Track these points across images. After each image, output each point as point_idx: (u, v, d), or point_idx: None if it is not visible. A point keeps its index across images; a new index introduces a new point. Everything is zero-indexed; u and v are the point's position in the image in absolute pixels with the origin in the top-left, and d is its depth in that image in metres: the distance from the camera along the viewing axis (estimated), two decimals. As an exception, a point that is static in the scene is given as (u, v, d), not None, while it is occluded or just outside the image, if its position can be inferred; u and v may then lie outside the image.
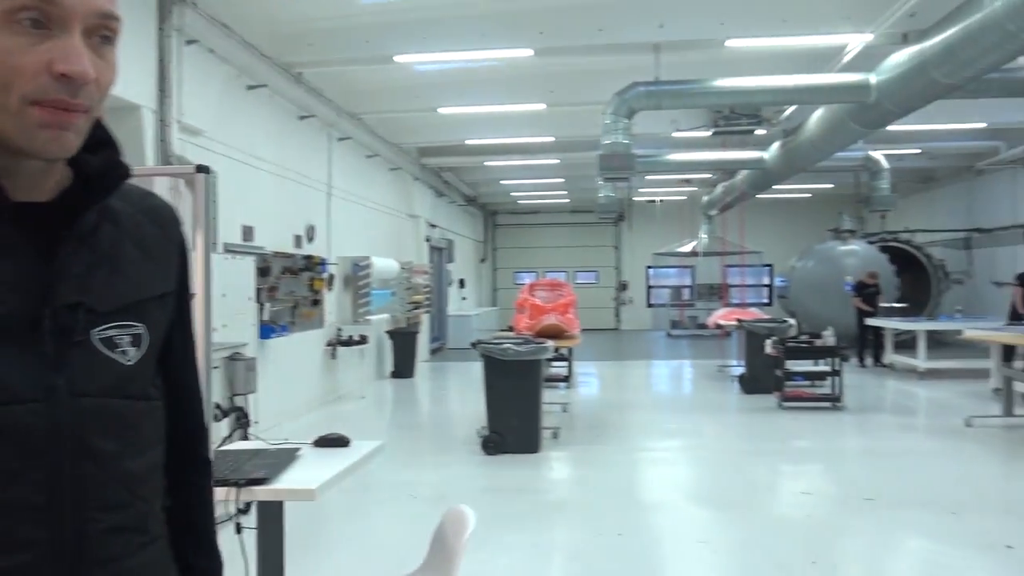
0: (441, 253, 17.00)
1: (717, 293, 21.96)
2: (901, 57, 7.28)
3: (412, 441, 7.93)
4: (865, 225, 20.76)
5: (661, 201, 22.68)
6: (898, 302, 14.23)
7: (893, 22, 7.31)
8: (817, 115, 9.93)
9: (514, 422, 6.76)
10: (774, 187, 19.37)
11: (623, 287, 24.19)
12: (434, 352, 15.87)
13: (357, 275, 10.59)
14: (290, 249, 8.74)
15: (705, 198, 19.20)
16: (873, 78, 7.81)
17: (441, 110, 10.78)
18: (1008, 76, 7.89)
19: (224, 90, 7.36)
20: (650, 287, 23.83)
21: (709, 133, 11.90)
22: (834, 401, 8.98)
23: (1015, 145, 13.58)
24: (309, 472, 2.38)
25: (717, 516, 5.26)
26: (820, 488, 5.99)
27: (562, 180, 18.43)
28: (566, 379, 11.06)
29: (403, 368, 12.32)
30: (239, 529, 2.35)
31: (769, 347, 9.22)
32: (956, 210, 17.80)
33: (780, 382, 9.25)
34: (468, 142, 13.56)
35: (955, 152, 15.31)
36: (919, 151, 14.87)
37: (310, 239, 9.43)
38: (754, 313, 11.82)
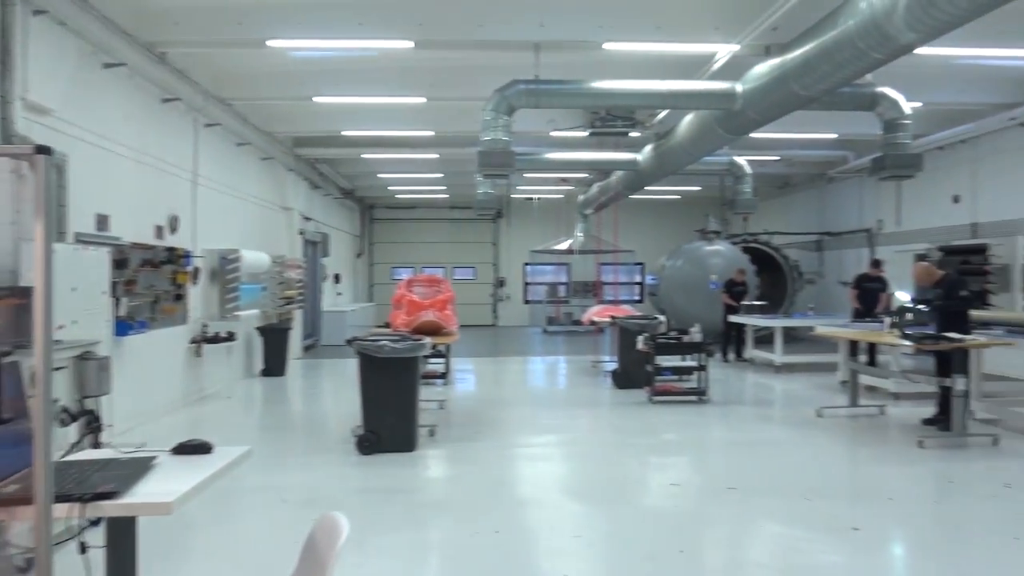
0: (315, 247, 16.50)
1: (591, 290, 22.55)
2: (764, 68, 7.68)
3: (282, 442, 7.63)
4: (729, 227, 21.87)
5: (539, 199, 23.00)
6: (758, 300, 15.07)
7: (757, 35, 7.70)
8: (687, 120, 10.33)
9: (390, 420, 6.64)
10: (646, 188, 20.09)
11: (501, 284, 24.37)
12: (307, 349, 15.40)
13: (225, 269, 10.09)
14: (151, 240, 8.19)
15: (581, 197, 19.63)
16: (739, 87, 8.20)
17: (317, 99, 10.43)
18: (857, 91, 8.50)
19: (78, 67, 6.79)
20: (527, 284, 24.11)
21: (586, 134, 12.16)
22: (700, 395, 9.39)
23: (862, 155, 14.69)
24: (166, 483, 2.21)
25: (591, 510, 5.36)
26: (687, 479, 6.23)
27: (441, 175, 18.33)
28: (443, 376, 11.00)
29: (274, 366, 11.86)
30: (83, 549, 2.14)
31: (641, 343, 9.52)
32: (809, 214, 19.07)
33: (651, 377, 9.57)
34: (345, 133, 13.22)
35: (809, 160, 16.39)
36: (778, 158, 15.79)
37: (173, 230, 8.89)
38: (627, 310, 12.19)
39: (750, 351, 13.39)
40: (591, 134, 12.06)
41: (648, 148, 12.45)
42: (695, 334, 9.55)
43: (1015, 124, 11.41)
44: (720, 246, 16.43)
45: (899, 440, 7.41)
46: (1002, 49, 8.43)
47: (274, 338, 11.95)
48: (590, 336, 16.81)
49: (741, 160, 13.65)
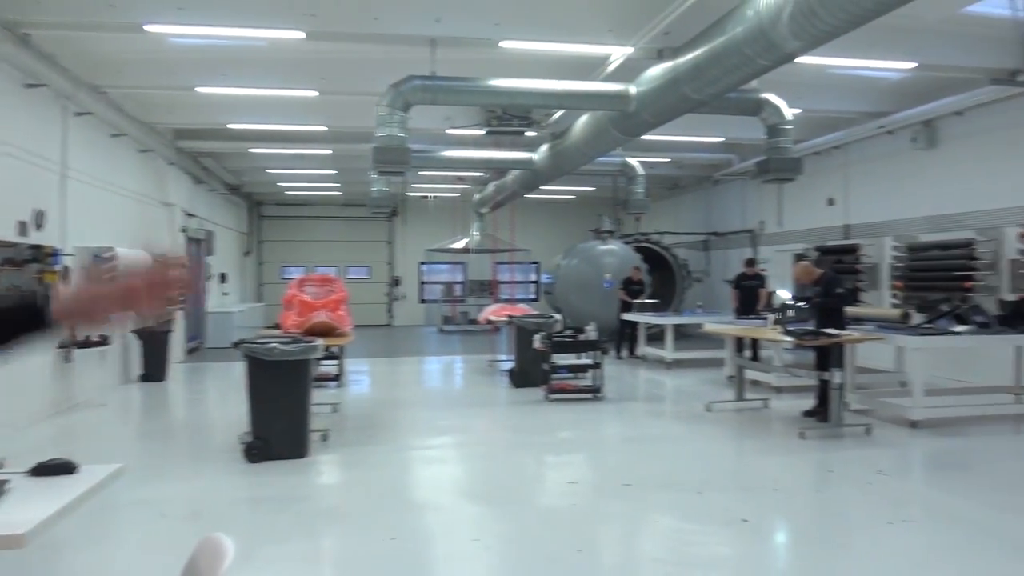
0: (199, 245, 15.73)
1: (488, 289, 22.56)
2: (657, 71, 7.85)
3: (162, 452, 7.18)
4: (622, 227, 22.37)
5: (435, 197, 22.81)
6: (650, 298, 15.47)
7: (650, 38, 7.87)
8: (583, 120, 10.46)
9: (280, 426, 6.36)
10: (541, 187, 20.28)
11: (396, 283, 24.04)
12: (191, 352, 14.66)
13: (99, 268, 9.42)
14: (13, 237, 7.54)
15: (477, 196, 19.60)
16: (633, 89, 8.36)
17: (200, 89, 9.92)
18: (743, 96, 8.83)
19: (-78, 45, 6.16)
20: (423, 283, 23.89)
21: (483, 132, 12.11)
22: (595, 392, 9.52)
23: (746, 159, 15.33)
24: (20, 511, 1.97)
25: (489, 512, 5.30)
26: (584, 477, 6.28)
27: (334, 172, 17.86)
28: (337, 378, 10.69)
29: (154, 371, 11.20)
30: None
31: (537, 342, 9.56)
32: (697, 215, 19.78)
33: (547, 375, 9.63)
34: (231, 126, 12.65)
35: (697, 162, 16.97)
36: (668, 160, 16.26)
37: (39, 226, 8.21)
38: (523, 309, 12.23)
39: (642, 348, 13.72)
40: (488, 133, 12.02)
41: (544, 148, 12.54)
42: (591, 332, 9.68)
43: (883, 132, 12.18)
44: (614, 245, 16.77)
45: (782, 432, 7.74)
46: (872, 60, 8.95)
47: (153, 341, 11.29)
48: (486, 335, 16.79)
49: (634, 161, 13.96)
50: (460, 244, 21.12)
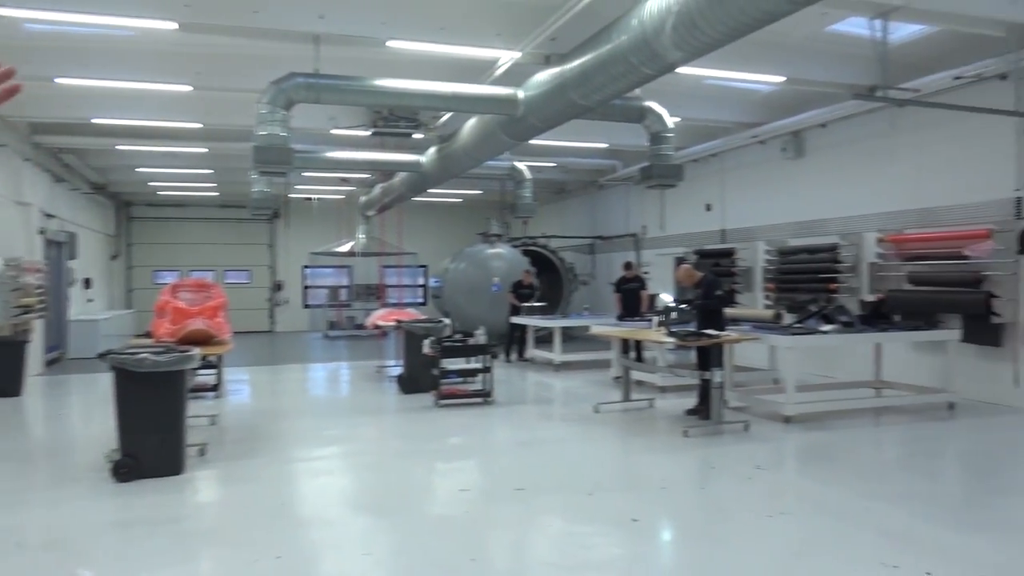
0: (60, 248, 14.63)
1: (375, 293, 22.17)
2: (545, 76, 7.91)
3: (17, 475, 6.57)
4: (510, 230, 22.53)
5: (318, 199, 22.21)
6: (538, 302, 15.63)
7: (538, 43, 7.93)
8: (471, 124, 10.42)
9: (152, 441, 5.96)
10: (429, 191, 20.14)
11: (278, 287, 23.24)
12: (50, 364, 13.59)
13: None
14: None
15: (363, 198, 19.23)
16: (521, 93, 8.39)
17: (60, 80, 9.22)
18: (628, 103, 9.04)
19: None
20: (307, 287, 23.21)
21: (368, 133, 11.88)
22: (486, 397, 9.49)
23: (629, 165, 15.78)
24: None
25: (379, 523, 5.15)
26: (475, 483, 6.23)
27: (210, 171, 17.04)
28: (215, 388, 10.18)
29: (7, 385, 10.29)
30: None
31: (427, 347, 9.43)
32: (583, 219, 20.18)
33: (437, 381, 9.52)
34: (95, 121, 11.83)
35: (583, 168, 17.31)
36: (555, 164, 16.50)
37: None
38: (411, 314, 12.06)
39: (531, 351, 13.83)
40: (373, 134, 11.80)
41: (432, 151, 12.42)
42: (480, 336, 9.64)
43: (755, 142, 12.82)
44: (501, 249, 16.84)
45: (667, 430, 7.96)
46: (746, 73, 9.39)
47: (7, 352, 10.38)
48: (374, 340, 16.48)
49: (522, 165, 14.06)
50: (345, 247, 20.65)
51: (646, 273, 16.42)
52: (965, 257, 9.20)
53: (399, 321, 10.77)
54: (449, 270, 17.13)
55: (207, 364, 9.34)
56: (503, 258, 16.43)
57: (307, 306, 23.02)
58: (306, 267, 23.14)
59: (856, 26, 8.69)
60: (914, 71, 9.15)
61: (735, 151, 13.59)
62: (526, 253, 17.46)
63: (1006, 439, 7.63)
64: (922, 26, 8.43)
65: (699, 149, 13.98)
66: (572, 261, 18.93)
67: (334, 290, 22.87)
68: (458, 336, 10.22)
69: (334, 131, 12.26)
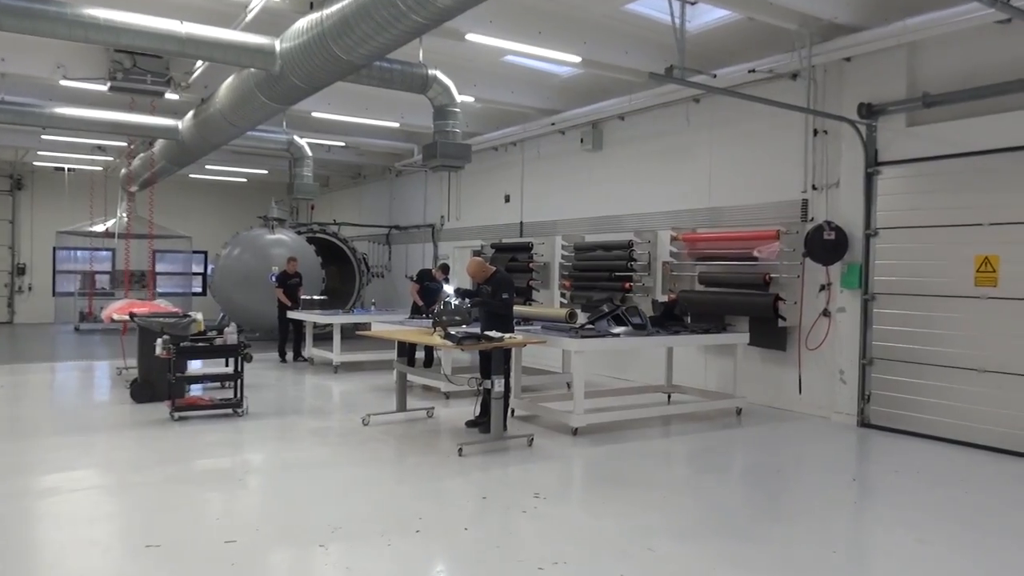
0: None
1: (144, 282, 19.46)
2: (303, 24, 6.57)
3: None
4: (297, 215, 20.72)
5: (72, 170, 19.11)
6: (323, 294, 14.12)
7: (295, -18, 6.56)
8: (227, 84, 8.82)
9: None
10: (209, 168, 17.92)
11: (20, 271, 19.80)
12: None
13: None
14: None
15: (124, 170, 16.64)
16: (278, 44, 6.97)
17: None
18: (408, 69, 7.89)
19: None
20: (57, 272, 19.97)
21: (105, 87, 9.86)
22: (235, 407, 7.98)
23: (425, 149, 14.63)
24: None
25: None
26: (175, 535, 4.76)
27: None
28: None
29: None
30: None
31: (159, 347, 7.74)
32: (380, 207, 18.81)
33: (175, 388, 7.86)
34: None
35: (379, 150, 15.96)
36: (344, 144, 15.05)
37: None
38: (158, 306, 10.14)
39: (309, 350, 12.33)
40: (111, 88, 9.78)
41: (189, 115, 10.58)
42: (230, 335, 8.09)
43: (555, 130, 12.16)
44: (284, 235, 15.14)
45: (442, 448, 6.90)
46: (541, 49, 8.52)
47: None
48: (119, 336, 14.13)
49: (302, 141, 12.50)
50: (104, 227, 17.87)
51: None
52: (754, 259, 8.97)
53: (131, 315, 8.90)
54: (221, 257, 15.12)
55: None
56: (284, 245, 14.74)
57: (57, 294, 19.80)
58: (58, 249, 19.89)
59: (654, 8, 8.13)
60: (710, 63, 8.77)
61: (535, 140, 12.88)
62: (313, 241, 15.85)
63: (792, 451, 7.32)
64: (723, 12, 8.01)
65: (498, 135, 13.15)
66: (366, 252, 17.54)
67: (91, 276, 19.80)
68: (210, 333, 8.56)
69: (64, 82, 10.06)
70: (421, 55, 7.93)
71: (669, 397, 9.23)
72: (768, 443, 7.46)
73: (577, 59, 8.74)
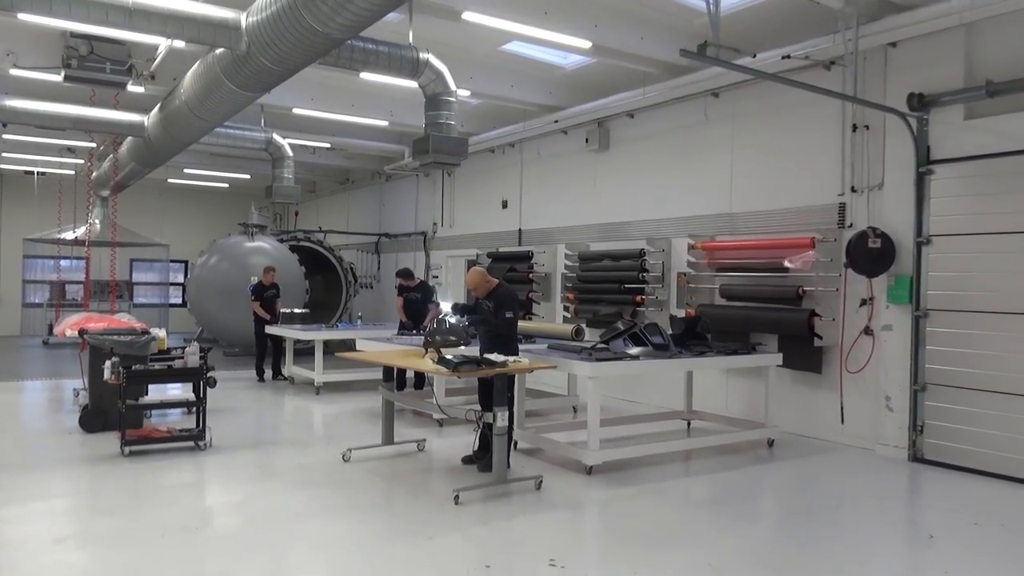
0: None
1: (121, 292, 18.37)
2: (271, -8, 5.57)
3: None
4: (281, 222, 19.68)
5: (42, 174, 18.03)
6: (306, 307, 13.09)
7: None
8: (192, 71, 7.82)
9: None
10: (188, 172, 16.88)
11: (-14, 281, 18.71)
12: None
13: None
14: None
15: (95, 174, 15.58)
16: (244, 18, 5.98)
17: None
18: (397, 51, 6.91)
19: None
20: (26, 282, 18.87)
21: (59, 77, 8.85)
22: (196, 439, 6.93)
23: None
24: None
25: None
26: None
27: None
28: None
29: None
30: None
31: (107, 371, 6.70)
32: (370, 214, 17.78)
33: (128, 417, 6.83)
34: None
35: (368, 152, 14.96)
36: (329, 146, 14.05)
37: None
38: (117, 320, 9.08)
39: (289, 368, 11.27)
40: (67, 78, 8.77)
41: (155, 110, 9.57)
42: (191, 356, 7.06)
43: (557, 129, 11.21)
44: (265, 243, 14.12)
45: (435, 493, 5.87)
46: (547, 32, 7.52)
47: None
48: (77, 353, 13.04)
49: (282, 140, 11.49)
50: (75, 235, 16.77)
51: (435, 277, 14.44)
52: (785, 269, 8.00)
53: (81, 331, 7.85)
54: (197, 266, 14.06)
55: None
56: (266, 253, 13.70)
57: (25, 305, 18.70)
58: (28, 258, 18.79)
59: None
60: (739, 49, 7.81)
61: (535, 140, 11.90)
62: (297, 249, 14.82)
63: (843, 493, 6.32)
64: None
65: (495, 135, 12.18)
66: (353, 261, 16.50)
67: (61, 286, 18.67)
68: (177, 352, 7.53)
69: (14, 71, 9.04)
70: (411, 37, 6.95)
71: (689, 424, 8.24)
72: (814, 482, 6.45)
73: (587, 44, 7.77)
